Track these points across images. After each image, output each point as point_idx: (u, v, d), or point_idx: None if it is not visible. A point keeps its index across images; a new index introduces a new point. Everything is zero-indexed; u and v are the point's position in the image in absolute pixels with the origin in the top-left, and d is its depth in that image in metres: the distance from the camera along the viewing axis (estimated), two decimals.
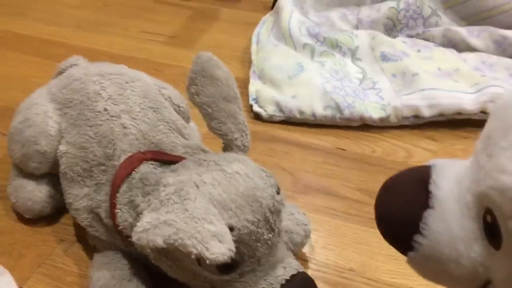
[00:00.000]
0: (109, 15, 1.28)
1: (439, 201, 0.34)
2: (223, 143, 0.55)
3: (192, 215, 0.41)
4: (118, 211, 0.53)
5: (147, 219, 0.43)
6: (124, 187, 0.54)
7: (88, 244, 0.62)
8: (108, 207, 0.55)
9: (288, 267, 0.49)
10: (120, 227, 0.52)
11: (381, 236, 0.68)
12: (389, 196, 0.37)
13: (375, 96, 0.91)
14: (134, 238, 0.42)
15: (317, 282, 0.61)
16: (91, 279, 0.55)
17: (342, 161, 0.82)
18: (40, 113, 0.64)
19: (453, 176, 0.35)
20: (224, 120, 0.52)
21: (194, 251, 0.39)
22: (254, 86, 0.94)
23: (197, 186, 0.46)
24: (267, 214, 0.48)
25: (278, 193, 0.50)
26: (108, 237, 0.58)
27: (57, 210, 0.68)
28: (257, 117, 0.90)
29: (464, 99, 0.85)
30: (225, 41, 1.15)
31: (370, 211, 0.72)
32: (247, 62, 1.06)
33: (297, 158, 0.82)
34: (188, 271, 0.49)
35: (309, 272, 0.63)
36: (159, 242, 0.40)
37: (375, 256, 0.65)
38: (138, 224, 0.43)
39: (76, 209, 0.60)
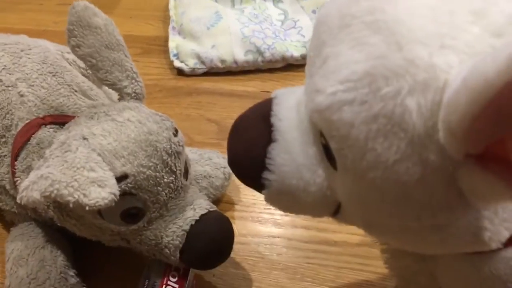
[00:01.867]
0: None
1: (281, 133, 0.33)
2: (118, 95, 0.53)
3: (71, 165, 0.40)
4: (18, 179, 0.51)
5: (28, 177, 0.41)
6: (22, 154, 0.52)
7: (7, 221, 0.60)
8: (11, 177, 0.53)
9: (197, 207, 0.49)
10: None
11: None
12: (235, 137, 0.36)
13: (296, 34, 0.90)
14: (18, 199, 0.41)
15: (244, 221, 0.62)
16: (6, 253, 0.53)
17: None
18: None
19: (294, 104, 0.34)
20: (110, 69, 0.50)
21: (71, 199, 0.38)
22: (174, 41, 0.92)
23: (86, 139, 0.45)
24: (165, 157, 0.46)
25: (175, 135, 0.48)
26: (18, 209, 0.56)
27: None
28: (180, 72, 0.88)
29: None
30: (145, 2, 1.11)
31: None
32: (168, 20, 1.02)
33: (223, 107, 0.81)
34: (94, 226, 0.48)
35: (235, 213, 0.62)
36: (37, 196, 0.39)
37: None
38: (21, 184, 0.41)
39: None
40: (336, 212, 0.35)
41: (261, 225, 0.61)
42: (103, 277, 0.56)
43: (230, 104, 0.81)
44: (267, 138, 0.33)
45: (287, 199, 0.34)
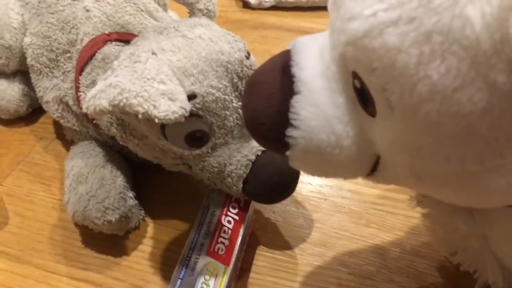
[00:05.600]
0: None
1: (305, 83, 0.28)
2: (188, 12, 0.50)
3: (141, 75, 0.37)
4: (81, 93, 0.50)
5: (96, 87, 0.39)
6: (87, 69, 0.50)
7: (67, 139, 0.60)
8: (74, 93, 0.52)
9: None
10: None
11: None
12: (252, 93, 0.31)
13: None
14: (84, 108, 0.39)
15: None
16: (65, 169, 0.53)
17: None
18: (1, 6, 0.60)
19: (317, 51, 0.29)
20: None
21: (141, 110, 0.36)
22: None
23: (155, 54, 0.42)
24: (235, 80, 0.43)
25: (247, 57, 0.45)
26: (80, 127, 0.55)
27: (36, 110, 0.65)
28: (246, 5, 0.84)
29: None
30: None
31: None
32: None
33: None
34: (157, 147, 0.46)
35: None
36: (105, 105, 0.36)
37: None
38: (88, 94, 0.39)
39: (46, 101, 0.57)
40: (373, 169, 0.30)
41: None
42: (161, 204, 0.54)
43: None
44: (289, 91, 0.29)
45: (316, 159, 0.30)
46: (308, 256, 0.49)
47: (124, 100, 0.36)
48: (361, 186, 0.55)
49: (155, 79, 0.37)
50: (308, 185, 0.56)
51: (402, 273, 0.47)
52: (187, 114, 0.37)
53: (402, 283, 0.46)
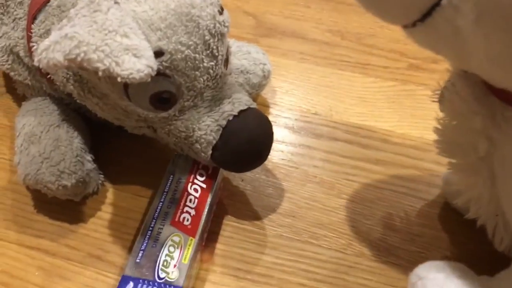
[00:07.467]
0: None
1: None
2: None
3: (102, 27, 0.33)
4: (34, 44, 0.44)
5: (49, 37, 0.34)
6: (40, 17, 0.45)
7: (18, 94, 0.55)
8: (26, 43, 0.47)
9: (236, 102, 0.42)
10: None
11: (351, 78, 0.62)
12: None
13: None
14: (35, 61, 0.34)
15: (278, 127, 0.56)
16: (16, 127, 0.48)
17: (313, 2, 0.72)
18: None
19: None
20: None
21: (101, 66, 0.31)
22: None
23: (117, 3, 0.37)
24: (207, 37, 0.39)
25: (220, 13, 0.41)
26: (33, 81, 0.50)
27: None
28: None
29: None
30: None
31: (341, 53, 0.65)
32: None
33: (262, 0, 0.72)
34: (119, 108, 0.42)
35: (270, 118, 0.56)
36: (59, 58, 0.32)
37: (344, 99, 0.58)
38: (40, 45, 0.35)
39: None
40: (426, 15, 0.26)
41: (297, 133, 0.55)
42: (122, 168, 0.51)
43: None
44: None
45: None
46: (277, 227, 0.47)
47: (82, 54, 0.32)
48: (333, 156, 0.53)
49: (117, 32, 0.33)
50: (280, 152, 0.53)
51: (372, 246, 0.46)
52: (153, 74, 0.33)
53: (372, 256, 0.45)
